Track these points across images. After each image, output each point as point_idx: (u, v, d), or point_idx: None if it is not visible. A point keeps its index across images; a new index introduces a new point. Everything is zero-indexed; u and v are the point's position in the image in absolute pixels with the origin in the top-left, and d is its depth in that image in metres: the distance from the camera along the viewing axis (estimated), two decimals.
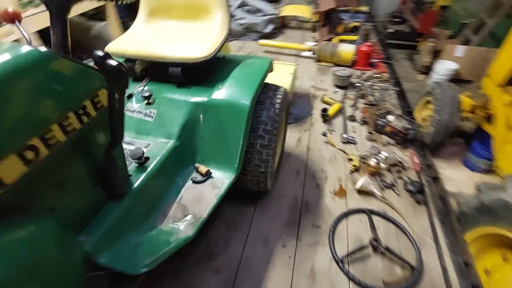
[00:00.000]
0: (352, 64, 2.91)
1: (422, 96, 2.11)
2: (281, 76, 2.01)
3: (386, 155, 1.70)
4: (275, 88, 1.34)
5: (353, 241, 1.36)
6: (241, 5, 3.45)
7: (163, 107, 1.12)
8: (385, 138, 1.99)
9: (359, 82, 2.60)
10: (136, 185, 0.89)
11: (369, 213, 1.46)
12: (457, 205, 1.45)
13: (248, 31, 3.44)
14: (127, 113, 1.13)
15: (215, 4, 1.26)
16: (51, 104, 0.57)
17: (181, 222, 0.93)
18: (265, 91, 1.29)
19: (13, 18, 0.75)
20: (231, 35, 3.42)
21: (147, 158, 0.98)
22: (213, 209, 1.00)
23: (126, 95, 1.15)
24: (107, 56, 0.60)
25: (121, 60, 1.16)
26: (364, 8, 3.94)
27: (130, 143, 1.05)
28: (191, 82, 1.18)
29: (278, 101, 1.27)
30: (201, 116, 1.12)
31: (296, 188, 1.62)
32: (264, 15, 3.49)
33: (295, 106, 2.26)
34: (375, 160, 1.67)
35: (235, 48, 3.23)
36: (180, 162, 1.08)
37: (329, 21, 3.52)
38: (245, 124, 1.09)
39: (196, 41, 1.19)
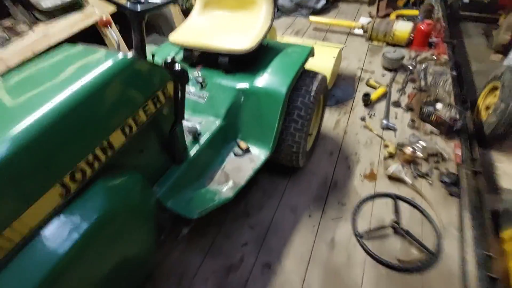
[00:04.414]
0: (408, 44, 2.74)
1: (489, 81, 1.94)
2: (324, 59, 2.05)
3: (425, 144, 1.70)
4: (313, 75, 1.44)
5: (376, 222, 1.48)
6: None
7: (213, 91, 1.33)
8: (428, 127, 1.95)
9: (411, 65, 2.48)
10: (191, 154, 1.14)
11: (395, 198, 1.54)
12: (503, 201, 1.43)
13: (298, 7, 3.40)
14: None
15: None
16: (138, 95, 0.81)
17: (223, 185, 1.17)
18: (303, 78, 1.41)
19: (107, 24, 1.00)
20: (281, 12, 3.42)
21: (200, 133, 1.22)
22: (250, 179, 1.22)
23: None
24: (174, 61, 0.81)
25: (180, 50, 1.38)
26: None
27: (187, 120, 1.30)
28: (236, 69, 1.36)
29: (315, 88, 1.38)
30: (243, 100, 1.30)
31: (328, 167, 1.75)
32: None
33: (338, 88, 2.30)
34: (412, 149, 1.69)
35: (284, 25, 3.26)
36: (225, 138, 1.31)
37: None
38: (280, 109, 1.25)
39: (242, 32, 1.34)
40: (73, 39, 1.87)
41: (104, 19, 0.98)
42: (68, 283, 0.65)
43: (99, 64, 0.74)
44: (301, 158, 1.52)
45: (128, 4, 0.82)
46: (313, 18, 3.11)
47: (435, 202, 1.54)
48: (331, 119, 2.06)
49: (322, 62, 2.03)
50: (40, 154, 0.61)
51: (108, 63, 0.75)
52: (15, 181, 0.58)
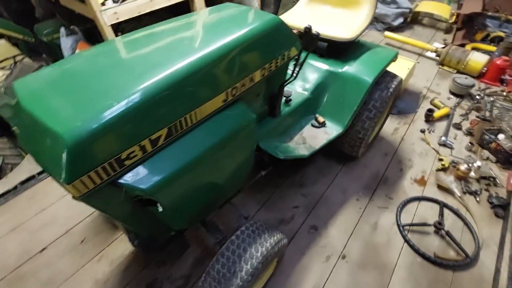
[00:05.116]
0: (479, 76, 2.77)
1: None
2: (398, 69, 2.19)
3: (480, 165, 1.79)
4: (393, 76, 1.61)
5: (418, 220, 1.61)
6: None
7: (306, 69, 1.56)
8: (486, 154, 2.01)
9: (479, 95, 2.52)
10: (282, 113, 1.37)
11: (443, 205, 1.65)
12: None
13: (376, 21, 3.54)
14: None
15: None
16: (274, 50, 1.05)
17: (301, 145, 1.39)
18: (384, 76, 1.59)
19: None
20: None
21: (291, 100, 1.45)
22: (322, 146, 1.42)
23: None
24: (310, 28, 1.04)
25: None
26: None
27: None
28: (330, 55, 1.57)
29: (392, 86, 1.55)
30: (331, 81, 1.51)
31: (381, 165, 1.90)
32: (398, 8, 3.49)
33: (402, 100, 2.42)
34: (467, 166, 1.79)
35: None
36: (308, 109, 1.52)
37: (468, 25, 3.28)
38: (363, 96, 1.44)
39: (343, 25, 1.55)
40: (171, 8, 2.22)
41: None
42: (206, 164, 0.91)
43: (257, 19, 1.00)
44: (362, 147, 1.69)
45: None
46: (388, 33, 3.23)
47: (479, 218, 1.63)
48: (390, 126, 2.20)
49: (396, 71, 2.17)
50: (220, 71, 0.87)
51: (263, 20, 1.00)
52: (210, 81, 0.85)
